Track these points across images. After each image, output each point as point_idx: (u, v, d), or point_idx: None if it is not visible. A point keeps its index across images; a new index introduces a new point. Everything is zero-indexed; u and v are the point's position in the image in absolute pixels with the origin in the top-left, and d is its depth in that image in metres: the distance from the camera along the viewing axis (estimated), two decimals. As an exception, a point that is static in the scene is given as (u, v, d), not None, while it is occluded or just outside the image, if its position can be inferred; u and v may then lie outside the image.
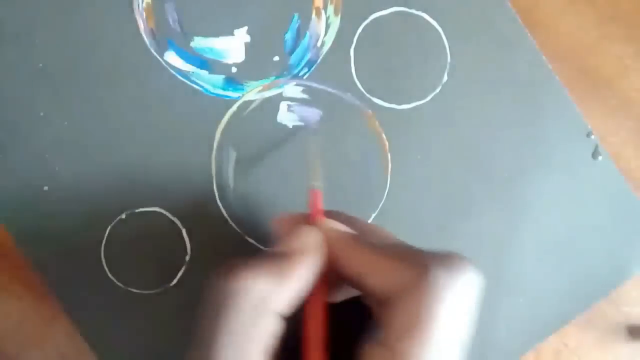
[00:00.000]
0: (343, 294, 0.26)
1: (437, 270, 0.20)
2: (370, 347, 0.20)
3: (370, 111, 0.33)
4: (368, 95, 0.33)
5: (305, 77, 0.33)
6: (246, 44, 0.33)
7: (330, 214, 0.25)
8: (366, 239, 0.23)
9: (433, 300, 0.20)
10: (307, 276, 0.22)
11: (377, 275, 0.21)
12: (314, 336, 0.22)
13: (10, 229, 0.32)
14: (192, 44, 0.32)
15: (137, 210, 0.32)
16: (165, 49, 0.32)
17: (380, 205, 0.33)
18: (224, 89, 0.33)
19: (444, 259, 0.21)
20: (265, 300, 0.21)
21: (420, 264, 0.20)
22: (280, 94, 0.33)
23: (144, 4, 0.32)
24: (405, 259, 0.21)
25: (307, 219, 0.25)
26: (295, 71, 0.33)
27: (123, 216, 0.32)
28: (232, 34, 0.33)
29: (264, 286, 0.21)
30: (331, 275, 0.23)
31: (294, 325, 0.22)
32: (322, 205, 0.25)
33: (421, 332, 0.19)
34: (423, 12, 0.33)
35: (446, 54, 0.33)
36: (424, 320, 0.20)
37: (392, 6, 0.33)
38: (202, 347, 0.21)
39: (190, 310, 0.33)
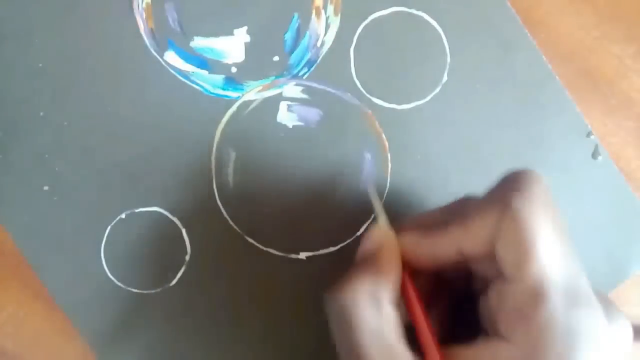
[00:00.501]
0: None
1: (514, 197, 0.22)
2: (498, 288, 0.23)
3: (370, 111, 0.33)
4: (368, 95, 0.33)
5: (305, 77, 0.33)
6: (246, 44, 0.33)
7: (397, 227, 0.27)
8: (433, 223, 0.25)
9: (525, 221, 0.22)
10: (395, 268, 0.25)
11: (468, 237, 0.23)
12: (418, 314, 0.24)
13: (10, 228, 0.32)
14: (192, 44, 0.32)
15: (137, 210, 0.32)
16: (165, 49, 0.32)
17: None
18: (223, 89, 0.33)
19: (511, 183, 0.23)
20: (375, 295, 0.23)
21: (498, 202, 0.22)
22: (280, 94, 0.33)
23: (144, 4, 0.32)
24: (482, 209, 0.23)
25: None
26: (295, 71, 0.33)
27: (123, 216, 0.32)
28: (232, 34, 0.33)
29: (368, 286, 0.24)
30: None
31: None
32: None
33: (534, 250, 0.21)
34: (423, 12, 0.33)
35: (446, 54, 0.33)
36: (531, 239, 0.21)
37: (392, 6, 0.33)
38: (353, 356, 0.23)
39: (190, 310, 0.33)
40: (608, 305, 0.24)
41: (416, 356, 0.23)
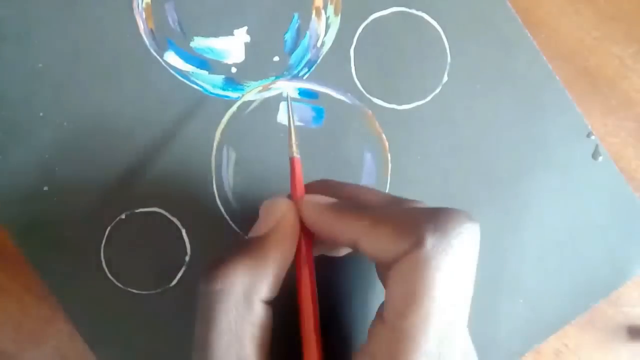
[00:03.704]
0: (345, 249, 0.26)
1: (432, 238, 0.19)
2: (375, 325, 0.20)
3: (370, 111, 0.33)
4: (368, 96, 0.33)
5: (305, 77, 0.33)
6: (246, 44, 0.33)
7: (314, 185, 0.25)
8: (355, 204, 0.23)
9: (430, 271, 0.19)
10: (283, 258, 0.22)
11: (370, 242, 0.21)
12: (307, 314, 0.22)
13: (10, 229, 0.32)
14: (192, 44, 0.32)
15: (137, 210, 0.32)
16: (165, 49, 0.32)
17: (380, 206, 0.33)
18: (223, 89, 0.33)
19: (438, 221, 0.20)
20: (248, 293, 0.21)
21: (415, 233, 0.20)
22: (280, 94, 0.33)
23: (144, 4, 0.32)
24: (399, 226, 0.20)
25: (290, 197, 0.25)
26: (295, 71, 0.33)
27: (123, 216, 0.32)
28: (232, 34, 0.33)
29: (243, 280, 0.21)
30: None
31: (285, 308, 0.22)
32: (301, 174, 0.25)
33: (421, 306, 0.19)
34: (423, 12, 0.33)
35: (446, 54, 0.33)
36: (423, 293, 0.19)
37: (392, 6, 0.33)
38: (199, 352, 0.21)
39: (190, 310, 0.33)
40: None
41: None
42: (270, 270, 0.22)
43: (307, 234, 0.23)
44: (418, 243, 0.19)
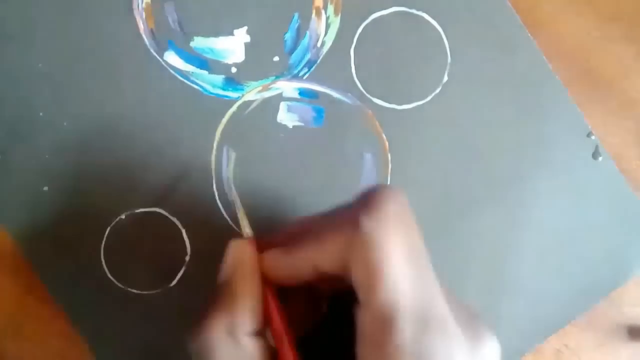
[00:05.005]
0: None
1: (362, 219, 0.21)
2: (356, 312, 0.21)
3: (370, 111, 0.33)
4: (368, 95, 0.33)
5: (305, 77, 0.33)
6: (246, 44, 0.33)
7: (263, 241, 0.25)
8: (298, 237, 0.24)
9: (376, 243, 0.21)
10: (250, 293, 0.23)
11: (324, 255, 0.22)
12: (279, 334, 0.23)
13: (10, 229, 0.32)
14: (192, 44, 0.32)
15: (137, 210, 0.32)
16: (165, 49, 0.32)
17: (380, 206, 0.33)
18: (223, 89, 0.33)
19: (365, 204, 0.22)
20: (231, 332, 0.22)
21: (350, 222, 0.21)
22: (280, 94, 0.33)
23: (144, 4, 0.32)
24: (335, 228, 0.22)
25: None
26: (295, 71, 0.33)
27: (123, 216, 0.32)
28: (232, 34, 0.33)
29: (224, 323, 0.22)
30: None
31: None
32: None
33: (379, 278, 0.20)
34: (423, 12, 0.33)
35: (446, 54, 0.33)
36: (379, 265, 0.20)
37: (392, 6, 0.33)
38: None
39: (190, 310, 0.33)
40: (473, 326, 0.22)
41: None
42: (244, 304, 0.23)
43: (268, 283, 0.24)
44: (355, 229, 0.21)
